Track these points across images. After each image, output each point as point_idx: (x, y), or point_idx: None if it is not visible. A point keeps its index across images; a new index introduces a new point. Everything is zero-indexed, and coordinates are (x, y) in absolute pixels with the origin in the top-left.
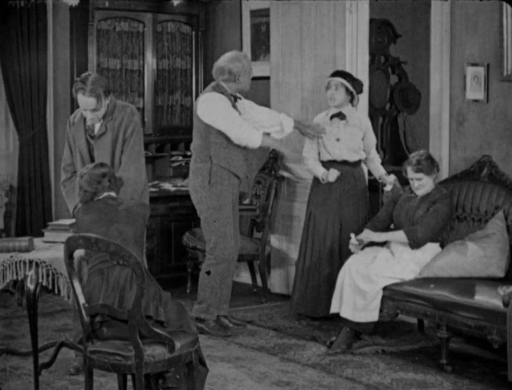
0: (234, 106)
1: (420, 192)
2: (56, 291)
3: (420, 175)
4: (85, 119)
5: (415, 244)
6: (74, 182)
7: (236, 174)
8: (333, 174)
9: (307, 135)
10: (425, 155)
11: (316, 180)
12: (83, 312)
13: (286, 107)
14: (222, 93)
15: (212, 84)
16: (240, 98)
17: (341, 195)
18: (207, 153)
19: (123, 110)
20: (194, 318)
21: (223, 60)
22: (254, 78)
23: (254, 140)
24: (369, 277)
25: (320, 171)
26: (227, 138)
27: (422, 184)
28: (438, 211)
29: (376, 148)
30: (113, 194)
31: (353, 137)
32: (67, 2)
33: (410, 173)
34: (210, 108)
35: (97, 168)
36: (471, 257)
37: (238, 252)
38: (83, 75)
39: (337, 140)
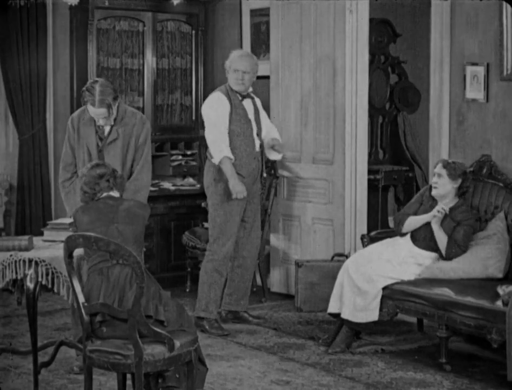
0: (235, 106)
1: (434, 192)
2: (56, 290)
3: (442, 171)
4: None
5: (448, 259)
6: (74, 183)
7: (239, 173)
8: None
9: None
10: (463, 165)
11: None
12: (83, 311)
13: (286, 106)
14: (227, 92)
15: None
16: (253, 98)
17: None
18: None
19: (133, 116)
20: (195, 317)
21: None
22: None
23: (215, 157)
24: (370, 277)
25: None
26: (229, 138)
27: (439, 183)
28: (469, 235)
29: (376, 147)
30: (113, 193)
31: None
32: (67, 1)
33: (437, 166)
34: (204, 109)
35: (93, 169)
36: (470, 259)
37: (257, 249)
38: (89, 83)
39: None
